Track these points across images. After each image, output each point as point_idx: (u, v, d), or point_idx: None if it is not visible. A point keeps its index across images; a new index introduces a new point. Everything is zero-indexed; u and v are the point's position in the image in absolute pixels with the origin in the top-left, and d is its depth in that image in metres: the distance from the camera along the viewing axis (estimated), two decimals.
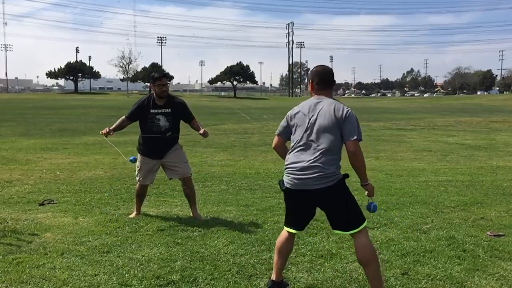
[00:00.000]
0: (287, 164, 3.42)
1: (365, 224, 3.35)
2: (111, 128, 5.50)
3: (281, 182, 3.48)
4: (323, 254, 4.31)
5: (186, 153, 5.79)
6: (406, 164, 10.14)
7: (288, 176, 3.39)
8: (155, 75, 5.49)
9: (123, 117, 5.60)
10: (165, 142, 5.49)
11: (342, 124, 3.30)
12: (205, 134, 5.56)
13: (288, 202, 3.51)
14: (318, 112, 3.35)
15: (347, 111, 3.31)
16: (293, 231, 3.52)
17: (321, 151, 3.31)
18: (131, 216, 5.62)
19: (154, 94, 5.47)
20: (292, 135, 3.46)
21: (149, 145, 5.51)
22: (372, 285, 3.33)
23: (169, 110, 5.47)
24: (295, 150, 3.40)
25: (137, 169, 5.65)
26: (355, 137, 3.28)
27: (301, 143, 3.37)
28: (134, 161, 5.65)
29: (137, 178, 5.67)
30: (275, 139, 3.58)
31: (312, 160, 3.30)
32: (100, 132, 5.55)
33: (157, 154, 5.52)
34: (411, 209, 6.00)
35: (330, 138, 3.31)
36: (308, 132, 3.35)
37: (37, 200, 6.39)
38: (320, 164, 3.30)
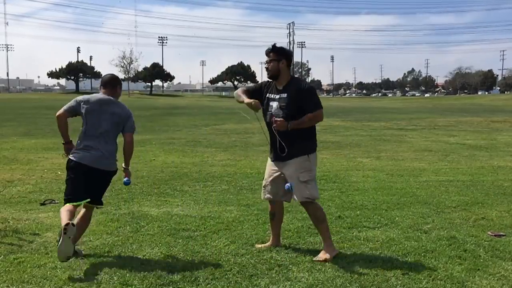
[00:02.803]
0: (81, 143, 4.35)
1: None
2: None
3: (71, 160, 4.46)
4: None
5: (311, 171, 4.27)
6: (407, 164, 10.14)
7: (80, 152, 4.37)
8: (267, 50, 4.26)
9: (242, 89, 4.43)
10: (278, 138, 4.15)
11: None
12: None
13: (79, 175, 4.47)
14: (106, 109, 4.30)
15: None
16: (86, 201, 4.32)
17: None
18: (263, 245, 4.48)
19: None
20: (83, 118, 4.30)
21: (270, 141, 4.34)
22: None
23: (285, 94, 4.21)
24: (89, 135, 4.29)
25: None
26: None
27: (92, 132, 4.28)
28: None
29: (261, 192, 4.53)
30: (63, 113, 4.28)
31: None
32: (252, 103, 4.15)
33: (273, 154, 4.31)
34: (412, 209, 6.01)
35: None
36: (97, 124, 4.27)
37: (39, 200, 6.40)
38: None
